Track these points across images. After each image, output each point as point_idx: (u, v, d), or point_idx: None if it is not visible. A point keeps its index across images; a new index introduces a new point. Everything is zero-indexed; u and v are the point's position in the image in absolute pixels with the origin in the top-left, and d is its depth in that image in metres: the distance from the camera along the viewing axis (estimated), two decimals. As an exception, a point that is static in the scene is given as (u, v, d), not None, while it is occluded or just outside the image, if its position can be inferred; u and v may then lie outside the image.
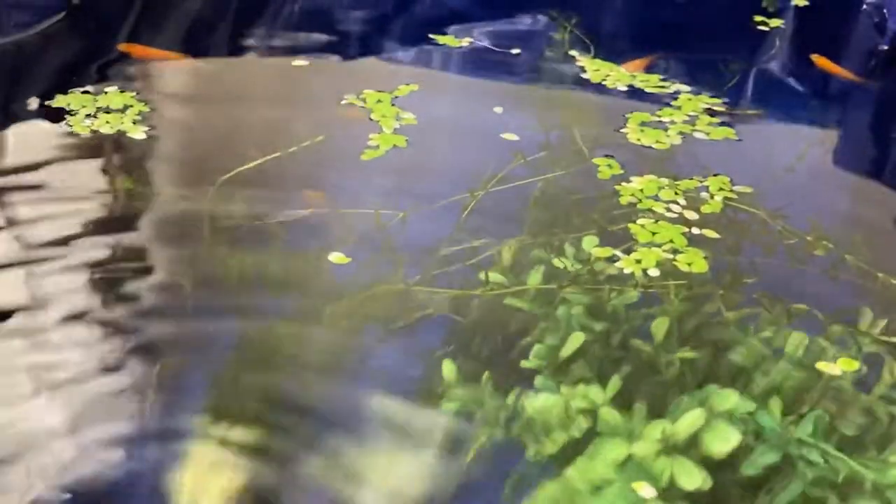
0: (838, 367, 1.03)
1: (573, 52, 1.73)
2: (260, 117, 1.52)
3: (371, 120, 1.46)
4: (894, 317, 1.12)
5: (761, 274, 1.19)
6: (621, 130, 1.47)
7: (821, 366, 1.03)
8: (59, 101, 1.47)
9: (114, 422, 0.93)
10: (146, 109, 1.47)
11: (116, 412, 0.95)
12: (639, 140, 1.45)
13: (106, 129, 1.41)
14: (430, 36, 1.81)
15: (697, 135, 1.47)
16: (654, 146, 1.43)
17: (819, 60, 1.81)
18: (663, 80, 1.64)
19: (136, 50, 1.73)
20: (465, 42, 1.79)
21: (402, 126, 1.45)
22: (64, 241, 1.19)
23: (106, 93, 1.50)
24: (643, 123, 1.49)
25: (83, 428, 0.92)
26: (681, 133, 1.47)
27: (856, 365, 1.03)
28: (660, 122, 1.50)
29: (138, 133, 1.41)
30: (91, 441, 0.91)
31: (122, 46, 1.72)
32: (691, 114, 1.52)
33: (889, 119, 1.68)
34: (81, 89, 1.50)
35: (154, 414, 0.94)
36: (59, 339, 1.04)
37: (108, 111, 1.45)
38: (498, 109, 1.54)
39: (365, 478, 0.90)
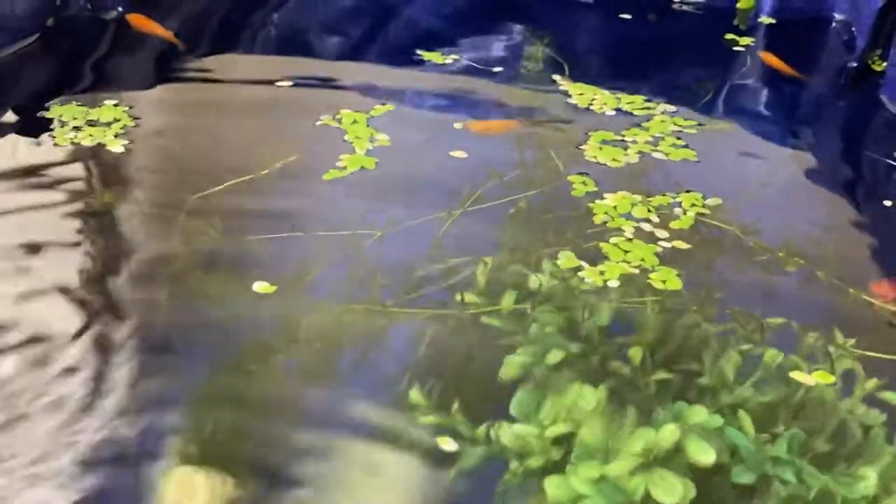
0: (813, 378, 1.04)
1: (556, 76, 1.74)
2: (238, 136, 1.52)
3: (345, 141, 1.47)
4: (865, 331, 1.13)
5: (734, 290, 1.20)
6: (580, 147, 1.49)
7: (795, 375, 1.04)
8: (53, 111, 1.51)
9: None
10: (131, 124, 1.49)
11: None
12: (595, 157, 1.46)
13: (87, 142, 1.43)
14: (418, 52, 1.82)
15: (656, 155, 1.48)
16: (608, 164, 1.45)
17: (766, 57, 1.87)
18: (647, 100, 1.65)
19: (138, 20, 1.81)
20: (451, 59, 1.80)
21: (375, 147, 1.46)
22: (33, 251, 1.19)
23: (101, 106, 1.54)
24: (604, 141, 1.51)
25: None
26: (640, 152, 1.48)
27: (831, 378, 1.04)
28: (622, 140, 1.52)
29: (117, 146, 1.43)
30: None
31: (129, 16, 1.82)
32: (657, 135, 1.54)
33: (859, 134, 1.71)
34: (77, 102, 1.54)
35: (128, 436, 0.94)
36: (25, 356, 1.03)
37: (93, 124, 1.48)
38: (473, 129, 1.55)
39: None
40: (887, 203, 1.44)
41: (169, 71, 1.74)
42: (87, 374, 1.01)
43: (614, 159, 1.46)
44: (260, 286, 1.14)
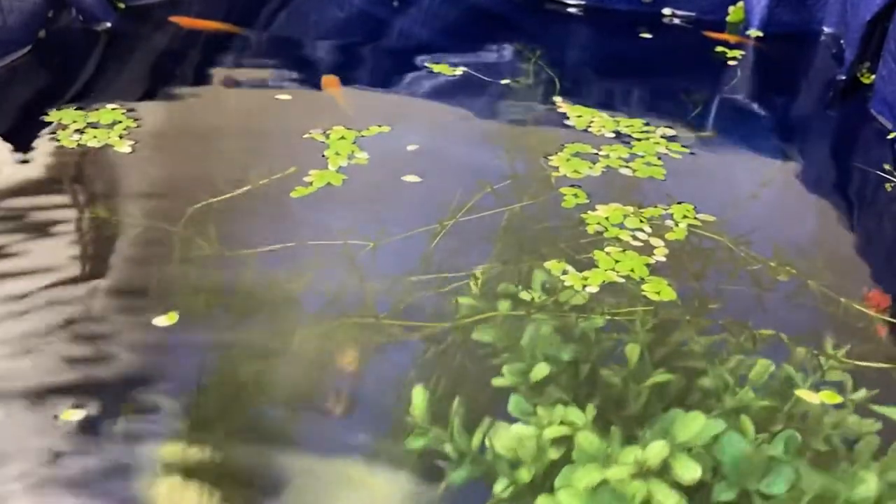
0: (819, 398, 1.04)
1: (556, 98, 1.74)
2: (233, 147, 1.52)
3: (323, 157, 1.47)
4: (857, 340, 1.14)
5: (726, 300, 1.20)
6: (549, 157, 1.49)
7: (800, 393, 1.04)
8: (52, 115, 1.54)
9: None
10: (133, 125, 1.53)
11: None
12: (558, 168, 1.46)
13: (93, 143, 1.47)
14: (427, 64, 1.83)
15: (623, 171, 1.48)
16: (568, 175, 1.45)
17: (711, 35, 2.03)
18: (646, 124, 1.64)
19: (185, 21, 1.87)
20: (460, 71, 1.81)
21: (349, 165, 1.45)
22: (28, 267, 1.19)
23: (97, 109, 1.57)
24: (576, 154, 1.51)
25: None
26: (606, 167, 1.48)
27: (838, 398, 1.04)
28: (595, 155, 1.52)
29: (124, 147, 1.46)
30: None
31: (175, 19, 1.88)
32: (635, 153, 1.54)
33: (848, 146, 1.72)
34: (75, 106, 1.57)
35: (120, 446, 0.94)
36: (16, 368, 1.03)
37: (95, 126, 1.51)
38: (469, 140, 1.56)
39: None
40: (876, 213, 1.45)
41: (162, 80, 1.74)
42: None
43: (576, 171, 1.46)
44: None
